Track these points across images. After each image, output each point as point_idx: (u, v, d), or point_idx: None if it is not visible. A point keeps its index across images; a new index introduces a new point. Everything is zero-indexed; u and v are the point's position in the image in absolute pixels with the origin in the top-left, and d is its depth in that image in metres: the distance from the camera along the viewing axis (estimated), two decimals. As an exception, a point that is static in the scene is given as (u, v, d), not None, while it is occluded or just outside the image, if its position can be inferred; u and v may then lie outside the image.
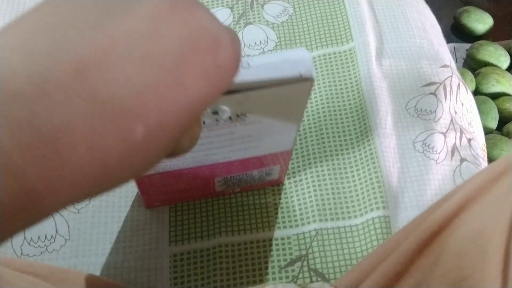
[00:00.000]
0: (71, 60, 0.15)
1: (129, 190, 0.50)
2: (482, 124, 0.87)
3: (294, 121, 0.38)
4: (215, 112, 0.33)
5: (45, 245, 0.47)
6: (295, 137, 0.41)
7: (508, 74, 0.94)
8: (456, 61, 0.99)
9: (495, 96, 0.93)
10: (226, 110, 0.32)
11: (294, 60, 0.30)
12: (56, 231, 0.48)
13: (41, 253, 0.47)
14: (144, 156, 0.18)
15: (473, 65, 0.98)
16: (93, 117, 0.15)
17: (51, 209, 0.16)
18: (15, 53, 0.15)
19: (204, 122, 0.34)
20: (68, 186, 0.16)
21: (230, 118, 0.34)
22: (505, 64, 0.95)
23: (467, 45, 1.00)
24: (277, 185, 0.52)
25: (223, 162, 0.42)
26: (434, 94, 0.55)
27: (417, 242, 0.33)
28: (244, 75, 0.29)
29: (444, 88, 0.56)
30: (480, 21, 1.00)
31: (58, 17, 0.16)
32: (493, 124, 0.90)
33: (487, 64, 0.96)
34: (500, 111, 0.90)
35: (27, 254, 0.46)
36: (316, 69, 0.58)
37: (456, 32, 1.04)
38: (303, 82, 0.31)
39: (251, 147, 0.40)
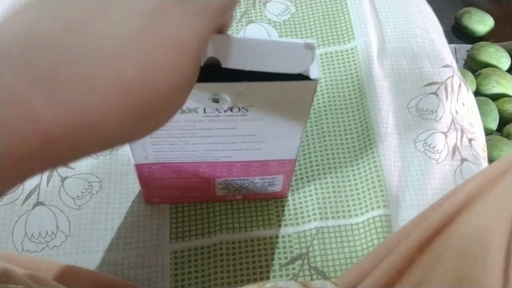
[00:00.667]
0: (59, 18, 0.18)
1: (130, 187, 0.50)
2: (482, 125, 0.87)
3: (297, 124, 0.37)
4: (216, 100, 0.32)
5: (45, 241, 0.47)
6: (298, 145, 0.40)
7: (508, 75, 0.94)
8: (457, 62, 0.99)
9: (495, 97, 0.93)
10: (226, 99, 0.32)
11: (300, 52, 0.29)
12: (57, 227, 0.48)
13: (42, 249, 0.47)
14: (141, 95, 0.19)
15: (473, 66, 0.98)
16: (85, 58, 0.17)
17: (69, 155, 0.18)
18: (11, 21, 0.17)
19: (204, 110, 0.34)
20: (81, 124, 0.17)
21: (231, 110, 0.33)
22: (505, 65, 0.96)
23: (467, 46, 1.00)
24: (280, 198, 0.51)
25: (224, 161, 0.42)
26: (435, 94, 0.55)
27: (419, 240, 0.33)
28: (243, 53, 0.28)
29: (446, 88, 0.56)
30: (481, 22, 1.00)
31: None
32: (493, 125, 0.90)
33: (487, 65, 0.96)
34: (500, 112, 0.90)
35: (28, 250, 0.46)
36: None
37: (457, 33, 1.04)
38: (308, 81, 0.30)
39: (253, 148, 0.40)
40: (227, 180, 0.46)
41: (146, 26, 0.19)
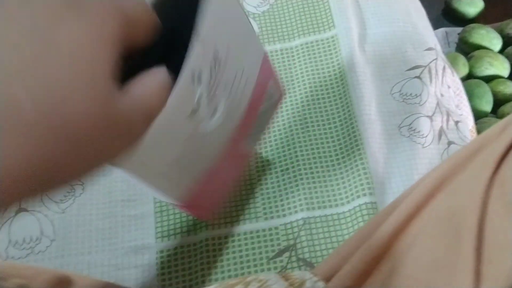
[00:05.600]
0: None
1: (112, 186, 0.50)
2: (477, 108, 0.86)
3: (246, 24, 0.35)
4: (199, 78, 0.29)
5: (30, 247, 0.47)
6: (258, 40, 0.39)
7: (501, 56, 0.93)
8: (449, 46, 0.98)
9: (488, 79, 0.91)
10: (203, 68, 0.29)
11: None
12: (41, 232, 0.47)
13: (27, 255, 0.46)
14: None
15: (465, 49, 0.97)
16: None
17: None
18: None
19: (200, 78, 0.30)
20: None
21: (211, 74, 0.31)
22: (497, 47, 0.94)
23: (459, 29, 0.99)
24: (280, 102, 0.47)
25: (239, 122, 0.38)
26: (419, 77, 0.55)
27: (394, 225, 0.32)
28: None
29: (429, 71, 0.55)
30: (471, 5, 0.99)
31: None
32: (488, 108, 0.89)
33: (479, 47, 0.94)
34: (494, 94, 0.89)
35: (13, 257, 0.46)
36: (299, 57, 0.57)
37: (448, 16, 1.03)
38: None
39: (244, 82, 0.37)
40: (251, 132, 0.42)
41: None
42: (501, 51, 0.95)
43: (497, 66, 0.91)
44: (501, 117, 0.86)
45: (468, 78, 0.92)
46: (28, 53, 0.16)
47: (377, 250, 0.32)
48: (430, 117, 0.52)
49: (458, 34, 0.98)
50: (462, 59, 0.93)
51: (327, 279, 0.34)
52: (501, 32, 0.95)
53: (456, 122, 0.53)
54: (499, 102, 0.89)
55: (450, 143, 0.51)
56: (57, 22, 0.17)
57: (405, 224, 0.32)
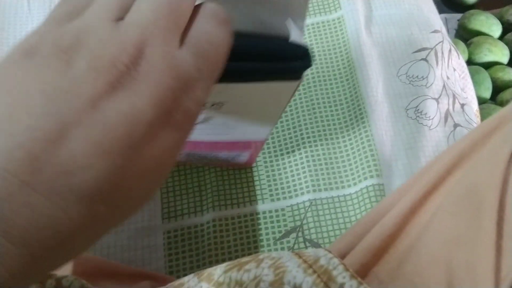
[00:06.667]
0: None
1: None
2: (476, 94, 0.87)
3: (272, 116, 0.35)
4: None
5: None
6: (270, 130, 0.39)
7: (500, 43, 0.93)
8: (448, 32, 0.98)
9: (488, 66, 0.92)
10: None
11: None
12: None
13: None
14: None
15: (465, 35, 0.97)
16: None
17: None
18: None
19: None
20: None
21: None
22: (497, 33, 0.94)
23: (458, 16, 0.99)
24: (245, 167, 0.50)
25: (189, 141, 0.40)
26: (425, 60, 0.54)
27: (411, 202, 0.32)
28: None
29: (436, 54, 0.55)
30: (471, -10, 0.99)
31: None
32: (487, 94, 0.89)
33: (479, 33, 0.94)
34: (493, 81, 0.89)
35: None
36: (305, 39, 0.57)
37: (447, 3, 1.03)
38: (292, 81, 0.28)
39: (223, 133, 0.38)
40: (189, 152, 0.44)
41: None
42: (501, 38, 0.95)
43: (497, 53, 0.91)
44: (500, 103, 0.87)
45: (467, 65, 0.92)
46: None
47: (394, 227, 0.32)
48: (437, 100, 0.52)
49: (458, 20, 0.98)
50: (461, 46, 0.93)
51: (342, 257, 0.34)
52: (500, 18, 0.95)
53: (462, 105, 0.53)
54: (498, 88, 0.89)
55: (456, 125, 0.51)
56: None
57: (422, 201, 0.32)
